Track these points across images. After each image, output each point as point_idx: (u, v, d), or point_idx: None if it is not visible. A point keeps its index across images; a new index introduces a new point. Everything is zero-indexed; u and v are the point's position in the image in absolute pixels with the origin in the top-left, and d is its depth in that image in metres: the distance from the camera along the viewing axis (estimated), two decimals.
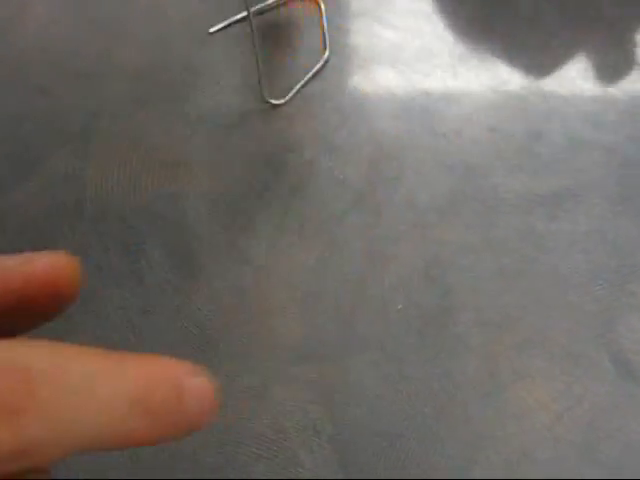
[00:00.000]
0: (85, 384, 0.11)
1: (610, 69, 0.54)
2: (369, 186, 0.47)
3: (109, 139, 0.50)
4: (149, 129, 0.50)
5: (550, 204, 0.47)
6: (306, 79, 0.52)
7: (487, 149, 0.50)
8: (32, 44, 0.56)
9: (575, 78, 0.54)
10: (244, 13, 0.55)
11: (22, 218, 0.45)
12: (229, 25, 0.56)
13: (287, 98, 0.51)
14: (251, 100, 0.52)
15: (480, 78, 0.53)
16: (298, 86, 0.51)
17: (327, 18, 0.55)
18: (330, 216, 0.46)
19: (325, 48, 0.54)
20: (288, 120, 0.51)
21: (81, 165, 0.49)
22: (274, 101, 0.50)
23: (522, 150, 0.50)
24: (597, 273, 0.44)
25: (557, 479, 0.37)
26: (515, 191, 0.48)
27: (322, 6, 0.57)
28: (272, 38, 0.55)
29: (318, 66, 0.53)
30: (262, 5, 0.57)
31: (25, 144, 0.50)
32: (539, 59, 0.55)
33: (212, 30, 0.56)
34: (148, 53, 0.55)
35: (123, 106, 0.51)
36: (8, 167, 0.49)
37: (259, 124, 0.50)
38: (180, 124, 0.50)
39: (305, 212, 0.46)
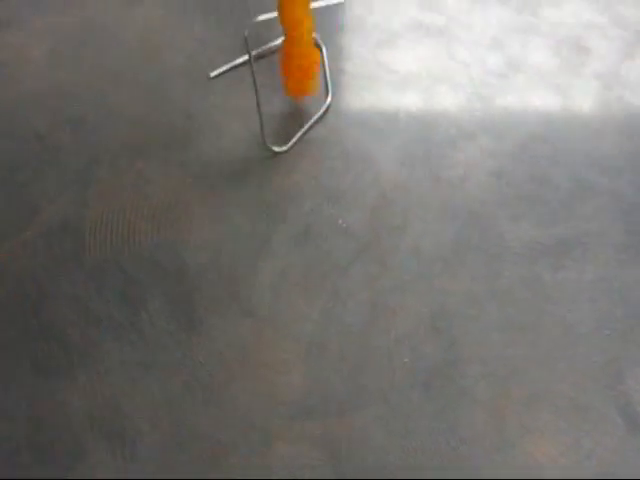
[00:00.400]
0: None
1: None
2: (373, 235, 0.49)
3: (108, 187, 0.52)
4: (149, 176, 0.52)
5: (555, 253, 0.49)
6: (308, 125, 0.54)
7: (491, 195, 0.52)
8: (29, 89, 0.58)
9: (580, 120, 0.56)
10: (245, 57, 0.57)
11: (20, 269, 0.47)
12: (230, 69, 0.58)
13: (289, 145, 0.53)
14: (253, 147, 0.54)
15: (484, 123, 0.56)
16: (300, 133, 0.54)
17: (329, 61, 0.57)
18: (334, 266, 0.48)
19: (328, 93, 0.56)
20: (290, 167, 0.53)
21: (80, 214, 0.51)
22: (276, 148, 0.52)
23: (527, 197, 0.52)
24: (604, 322, 0.46)
25: None
26: (520, 239, 0.50)
27: (324, 49, 0.59)
28: (273, 83, 0.58)
29: (320, 112, 0.55)
30: (263, 48, 0.59)
31: (23, 192, 0.51)
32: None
33: (213, 74, 0.58)
34: (148, 98, 0.57)
35: (122, 153, 0.53)
36: (6, 216, 0.50)
37: (261, 171, 0.53)
38: (180, 172, 0.52)
39: (308, 262, 0.48)
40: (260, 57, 0.59)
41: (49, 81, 0.58)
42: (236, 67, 0.58)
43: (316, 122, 0.56)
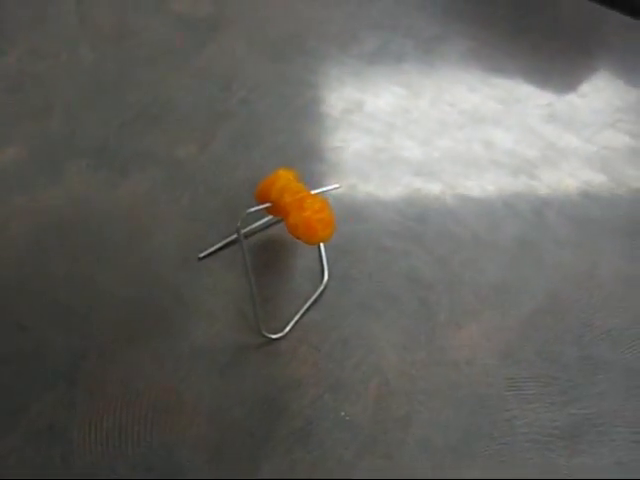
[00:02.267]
0: None
1: None
2: (378, 427, 0.59)
3: (97, 383, 0.62)
4: (140, 369, 0.62)
5: (569, 436, 0.59)
6: (304, 308, 0.65)
7: (499, 378, 0.62)
8: (10, 273, 0.69)
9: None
10: (234, 235, 0.68)
11: (4, 476, 0.55)
12: (219, 249, 0.70)
13: (285, 331, 0.64)
14: (248, 333, 0.65)
15: (490, 299, 0.67)
16: (296, 317, 0.64)
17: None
18: (339, 463, 0.57)
19: (323, 272, 0.68)
20: (288, 355, 0.63)
21: (66, 414, 0.60)
22: (272, 335, 0.63)
23: (536, 377, 0.62)
24: None
25: None
26: (532, 424, 0.60)
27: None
28: (266, 261, 0.70)
29: (317, 293, 0.66)
30: (254, 226, 0.71)
31: (5, 391, 0.61)
32: None
33: (201, 255, 0.69)
34: (136, 281, 0.68)
35: (110, 344, 0.64)
36: None
37: (257, 361, 0.63)
38: (172, 363, 0.63)
39: (312, 460, 0.57)
40: (251, 234, 0.70)
41: (32, 264, 0.69)
42: (226, 246, 0.69)
43: (313, 304, 0.66)
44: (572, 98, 0.85)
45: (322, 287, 0.68)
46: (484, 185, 0.76)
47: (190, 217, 0.74)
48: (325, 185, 0.73)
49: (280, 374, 0.63)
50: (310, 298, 0.68)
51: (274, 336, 0.65)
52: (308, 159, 0.77)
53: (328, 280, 0.70)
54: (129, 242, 0.72)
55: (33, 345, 0.65)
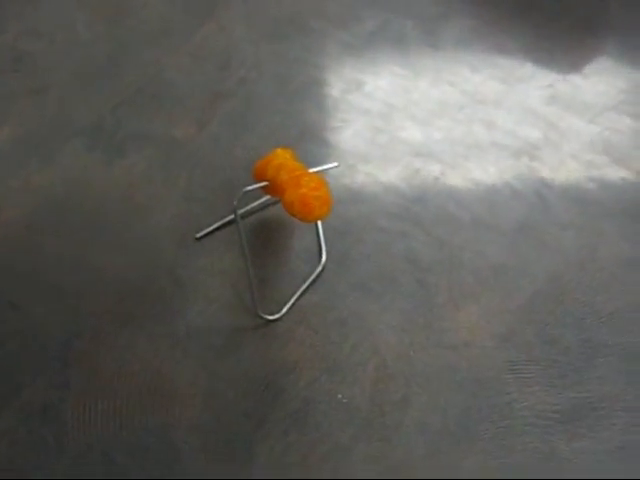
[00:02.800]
0: None
1: None
2: (375, 410, 0.59)
3: (90, 364, 0.61)
4: (134, 350, 0.62)
5: (569, 420, 0.58)
6: (302, 290, 0.64)
7: (499, 361, 0.62)
8: (2, 255, 0.68)
9: (593, 273, 0.67)
10: (232, 216, 0.68)
11: None
12: (217, 229, 0.69)
13: (282, 313, 0.63)
14: (244, 315, 0.64)
15: (490, 282, 0.66)
16: (293, 299, 0.64)
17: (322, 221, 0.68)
18: (335, 446, 0.57)
19: (321, 252, 0.67)
20: (284, 337, 0.62)
21: (60, 395, 0.60)
22: (268, 317, 0.62)
23: (536, 360, 0.62)
24: None
25: None
26: (532, 408, 0.59)
27: None
28: (263, 242, 0.69)
29: (314, 275, 0.65)
30: (251, 206, 0.70)
31: None
32: None
33: (198, 235, 0.68)
34: (132, 262, 0.67)
35: (104, 324, 0.63)
36: None
37: (254, 342, 0.62)
38: (168, 345, 0.62)
39: (308, 442, 0.57)
40: (249, 214, 0.69)
41: (26, 244, 0.68)
42: (223, 226, 0.68)
43: (310, 285, 0.65)
44: (575, 79, 0.84)
45: (320, 268, 0.68)
46: (485, 167, 0.75)
47: (187, 197, 0.73)
48: (323, 164, 0.71)
49: (277, 356, 0.62)
50: (308, 279, 0.68)
51: (271, 317, 0.65)
52: (307, 139, 0.76)
53: (326, 261, 0.68)
54: (125, 223, 0.71)
55: (26, 325, 0.65)
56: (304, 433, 0.58)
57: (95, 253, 0.69)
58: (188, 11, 0.90)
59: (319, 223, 0.70)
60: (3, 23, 0.88)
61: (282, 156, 0.63)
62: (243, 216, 0.69)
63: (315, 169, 0.67)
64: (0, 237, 0.70)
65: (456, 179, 0.73)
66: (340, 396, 0.60)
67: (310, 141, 0.76)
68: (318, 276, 0.69)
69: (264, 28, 0.88)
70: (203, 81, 0.81)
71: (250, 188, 0.61)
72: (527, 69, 0.84)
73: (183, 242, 0.70)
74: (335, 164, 0.72)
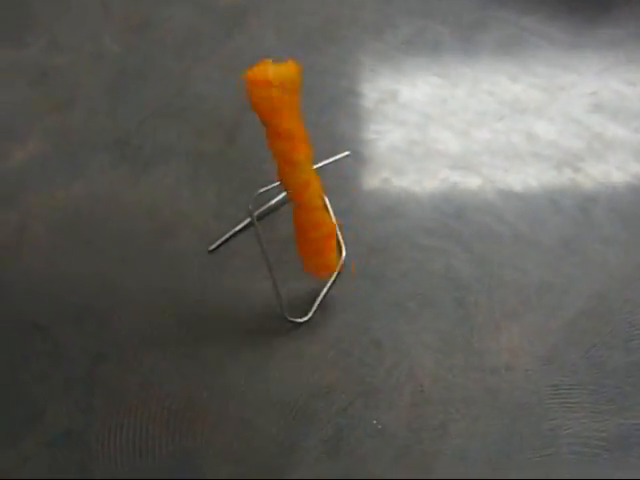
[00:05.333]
0: None
1: None
2: (412, 436, 0.57)
3: (115, 387, 0.61)
4: (160, 373, 0.61)
5: (615, 448, 0.56)
6: (326, 289, 0.67)
7: (542, 385, 0.60)
8: (28, 274, 0.68)
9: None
10: (244, 223, 0.70)
11: None
12: (231, 238, 0.70)
13: (310, 315, 0.65)
14: (274, 338, 0.64)
15: (532, 300, 0.65)
16: (319, 299, 0.66)
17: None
18: (370, 475, 0.56)
19: (341, 249, 0.67)
20: (317, 360, 0.62)
21: (84, 419, 0.59)
22: (297, 319, 0.64)
23: (581, 383, 0.60)
24: None
25: None
26: (577, 435, 0.57)
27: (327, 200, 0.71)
28: (278, 244, 0.67)
29: (336, 272, 0.66)
30: (263, 208, 0.72)
31: (21, 395, 0.60)
32: None
33: (211, 248, 0.68)
34: (157, 282, 0.67)
35: (130, 346, 0.62)
36: (2, 423, 0.58)
37: (284, 365, 0.62)
38: (195, 367, 0.61)
39: (341, 471, 0.55)
40: (258, 219, 0.69)
41: (50, 265, 0.68)
42: (235, 235, 0.68)
43: (333, 285, 0.67)
44: (619, 86, 0.82)
45: (340, 263, 0.68)
46: (526, 179, 0.73)
47: (216, 214, 0.73)
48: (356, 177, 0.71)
49: (309, 379, 0.62)
50: (330, 278, 0.68)
51: (299, 320, 0.65)
52: (340, 152, 0.75)
53: (346, 257, 0.69)
54: (152, 241, 0.71)
55: (50, 347, 0.64)
56: (337, 461, 0.57)
57: (121, 273, 0.68)
58: (217, 21, 0.90)
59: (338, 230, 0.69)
60: (28, 37, 0.89)
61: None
62: (257, 218, 0.68)
63: (327, 160, 0.69)
64: (25, 255, 0.70)
65: (496, 192, 0.72)
66: (375, 422, 0.59)
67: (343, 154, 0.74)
68: (339, 273, 0.68)
69: (295, 38, 0.87)
70: (232, 93, 0.80)
71: (263, 190, 0.61)
72: (569, 77, 0.83)
73: (211, 261, 0.69)
74: (347, 153, 0.73)
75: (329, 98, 0.81)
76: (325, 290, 0.66)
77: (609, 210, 0.72)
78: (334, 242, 0.62)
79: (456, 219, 0.71)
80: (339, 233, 0.70)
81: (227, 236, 0.69)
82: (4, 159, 0.75)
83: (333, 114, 0.79)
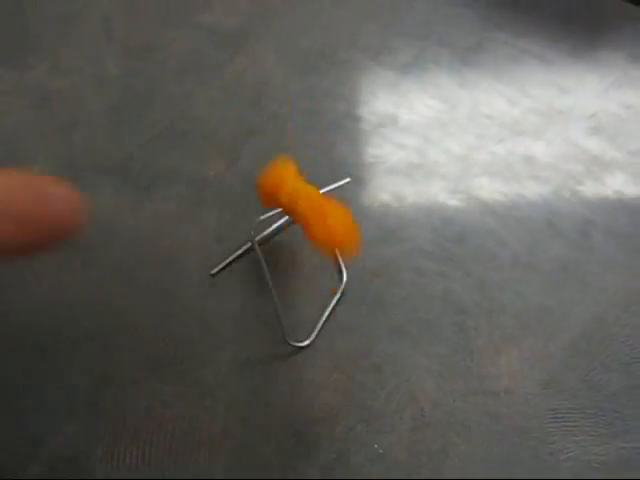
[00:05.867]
0: None
1: None
2: (413, 460, 0.58)
3: (119, 411, 0.62)
4: (163, 398, 0.62)
5: (616, 472, 0.57)
6: (327, 312, 0.68)
7: (541, 408, 0.61)
8: (34, 299, 0.69)
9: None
10: (244, 247, 0.72)
11: None
12: (233, 262, 0.71)
13: (312, 338, 0.66)
14: (275, 362, 0.64)
15: (531, 324, 0.65)
16: (321, 323, 0.66)
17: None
18: None
19: (342, 271, 0.68)
20: (318, 384, 0.63)
21: (88, 444, 0.60)
22: (299, 344, 0.65)
23: (581, 407, 0.61)
24: None
25: None
26: (577, 458, 0.58)
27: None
28: (279, 269, 0.68)
29: (337, 295, 0.69)
30: (265, 233, 0.73)
31: (23, 420, 0.61)
32: None
33: (213, 272, 0.69)
34: (160, 307, 0.68)
35: (134, 371, 0.63)
36: (4, 450, 0.59)
37: (285, 390, 0.62)
38: (197, 392, 0.62)
39: None
40: (265, 240, 0.70)
41: (52, 289, 0.69)
42: (236, 260, 0.69)
43: (334, 309, 0.68)
44: (618, 109, 0.82)
45: (342, 287, 0.70)
46: (525, 203, 0.74)
47: (218, 238, 0.73)
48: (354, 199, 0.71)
49: (309, 404, 0.62)
50: (331, 301, 0.69)
51: (301, 344, 0.67)
52: (339, 176, 0.76)
53: (347, 281, 0.71)
54: (154, 267, 0.72)
55: (53, 371, 0.65)
56: None
57: (122, 297, 0.69)
58: (219, 45, 0.91)
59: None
60: (31, 59, 0.90)
61: (291, 181, 0.62)
62: (259, 243, 0.69)
63: (328, 187, 0.69)
64: (27, 280, 0.70)
65: (495, 216, 0.73)
66: (376, 446, 0.59)
67: (343, 178, 0.75)
68: (342, 296, 0.70)
69: (295, 61, 0.88)
70: (233, 116, 0.82)
71: (264, 217, 0.62)
72: (567, 99, 0.84)
73: (213, 286, 0.70)
74: (347, 180, 0.75)
75: (328, 121, 0.83)
76: (327, 313, 0.67)
77: (608, 233, 0.73)
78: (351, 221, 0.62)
79: (456, 243, 0.72)
80: (339, 256, 0.70)
81: (229, 260, 0.70)
82: None
83: (332, 137, 0.81)
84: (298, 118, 0.84)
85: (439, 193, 0.77)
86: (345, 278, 0.70)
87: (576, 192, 0.76)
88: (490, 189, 0.77)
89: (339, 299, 0.69)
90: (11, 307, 0.70)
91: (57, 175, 0.72)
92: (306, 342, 0.66)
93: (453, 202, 0.76)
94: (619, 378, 0.62)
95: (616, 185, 0.77)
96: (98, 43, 0.93)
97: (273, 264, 0.71)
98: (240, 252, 0.72)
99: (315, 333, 0.66)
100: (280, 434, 0.61)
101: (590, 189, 0.77)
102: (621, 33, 0.92)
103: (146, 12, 0.89)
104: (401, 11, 0.95)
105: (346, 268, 0.70)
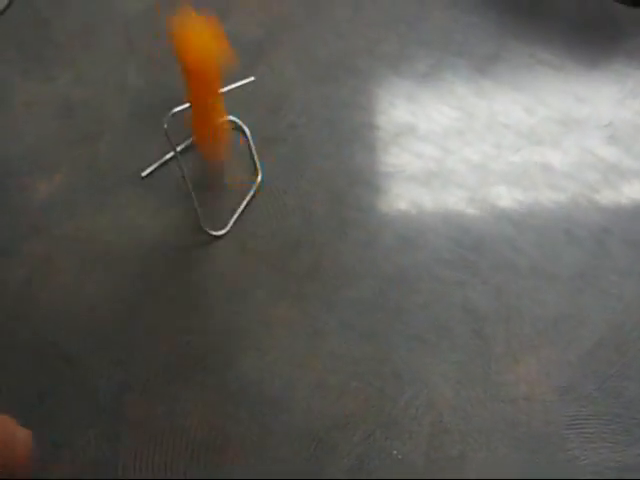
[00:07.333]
0: None
1: None
2: (431, 466, 0.59)
3: (141, 416, 0.63)
4: (185, 403, 0.63)
5: (633, 478, 0.58)
6: (242, 206, 0.74)
7: (559, 415, 0.61)
8: (56, 305, 0.70)
9: None
10: (171, 153, 0.77)
11: None
12: (161, 165, 0.78)
13: (228, 228, 0.71)
14: (297, 369, 0.64)
15: (549, 332, 0.67)
16: (236, 215, 0.72)
17: (255, 140, 0.77)
18: None
19: (257, 169, 0.77)
20: (338, 391, 0.63)
21: (111, 448, 0.61)
22: (214, 232, 0.66)
23: (598, 414, 0.61)
24: None
25: None
26: (594, 465, 0.59)
27: (247, 131, 0.78)
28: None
29: (252, 191, 0.75)
30: (188, 142, 0.78)
31: (48, 425, 0.62)
32: None
33: (144, 174, 0.77)
34: (182, 314, 0.69)
35: (156, 376, 0.65)
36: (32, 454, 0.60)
37: (306, 396, 0.63)
38: (219, 397, 0.63)
39: None
40: (185, 150, 0.78)
41: (77, 295, 0.70)
42: (164, 164, 0.78)
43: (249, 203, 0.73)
44: (634, 118, 0.83)
45: (257, 181, 0.77)
46: (542, 211, 0.75)
47: (241, 249, 0.74)
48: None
49: (330, 410, 0.63)
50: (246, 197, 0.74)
51: (216, 233, 0.74)
52: (358, 185, 0.77)
53: (262, 178, 0.77)
54: (176, 273, 0.73)
55: (78, 377, 0.66)
56: None
57: (146, 304, 0.70)
58: (240, 54, 0.92)
59: (251, 142, 0.79)
60: (55, 71, 0.91)
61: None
62: (181, 152, 0.79)
63: (232, 85, 0.76)
64: (51, 286, 0.72)
65: (512, 224, 0.74)
66: (395, 452, 0.60)
67: (361, 186, 0.77)
68: (256, 192, 0.76)
69: (314, 71, 0.89)
70: (253, 126, 0.82)
71: (177, 109, 0.69)
72: (584, 108, 0.84)
73: (235, 294, 0.71)
74: (252, 78, 0.81)
75: (347, 131, 0.83)
76: (241, 208, 0.74)
77: (624, 241, 0.73)
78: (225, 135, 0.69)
79: (474, 251, 0.73)
80: (255, 154, 0.77)
81: (158, 164, 0.80)
82: (31, 191, 0.78)
83: (351, 147, 0.81)
84: (317, 127, 0.85)
85: (457, 202, 0.78)
86: (260, 176, 0.77)
87: (593, 200, 0.77)
88: (507, 197, 0.78)
89: (254, 195, 0.75)
90: (36, 314, 0.71)
91: (79, 183, 0.74)
92: (221, 232, 0.72)
93: (471, 210, 0.77)
94: (636, 385, 0.63)
95: (633, 193, 0.77)
96: (120, 55, 0.94)
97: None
98: (166, 158, 0.80)
99: (231, 223, 0.73)
100: (301, 439, 0.61)
101: (607, 197, 0.77)
102: (637, 42, 0.92)
103: (166, 23, 0.91)
104: (419, 20, 0.96)
105: (364, 274, 0.70)
